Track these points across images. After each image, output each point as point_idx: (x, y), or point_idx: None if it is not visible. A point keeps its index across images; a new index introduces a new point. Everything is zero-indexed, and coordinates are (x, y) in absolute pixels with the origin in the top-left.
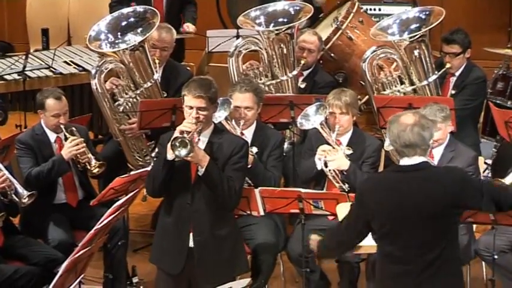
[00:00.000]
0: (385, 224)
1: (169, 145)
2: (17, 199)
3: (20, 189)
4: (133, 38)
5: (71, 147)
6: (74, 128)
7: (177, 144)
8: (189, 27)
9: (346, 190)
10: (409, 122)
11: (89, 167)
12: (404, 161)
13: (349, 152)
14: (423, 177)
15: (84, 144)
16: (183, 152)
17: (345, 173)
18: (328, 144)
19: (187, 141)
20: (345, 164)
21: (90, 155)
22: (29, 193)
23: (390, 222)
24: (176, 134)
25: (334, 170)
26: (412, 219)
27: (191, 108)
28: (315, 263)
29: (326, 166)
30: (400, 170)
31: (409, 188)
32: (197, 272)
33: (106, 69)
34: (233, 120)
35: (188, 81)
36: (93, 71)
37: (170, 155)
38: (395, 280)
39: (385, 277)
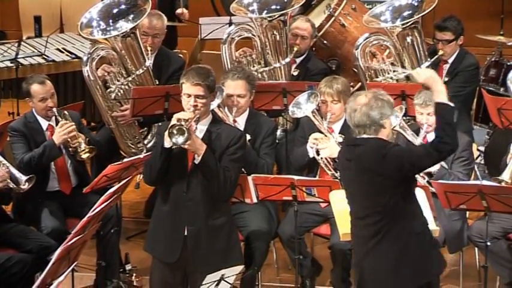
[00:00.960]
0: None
1: (166, 133)
2: (14, 186)
3: (18, 174)
4: (124, 25)
5: (61, 132)
6: (66, 112)
7: (175, 131)
8: (183, 11)
9: (339, 178)
10: (361, 102)
11: (78, 151)
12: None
13: (341, 139)
14: (357, 151)
15: (75, 128)
16: (180, 139)
17: (337, 160)
18: (320, 132)
19: (184, 128)
20: (337, 152)
21: (80, 140)
22: (27, 177)
23: (345, 188)
24: (174, 121)
25: (326, 158)
26: (352, 191)
27: (189, 96)
28: (306, 248)
29: (318, 154)
30: (350, 144)
31: (346, 160)
32: (191, 262)
33: (98, 56)
34: (226, 108)
35: (183, 69)
36: (84, 58)
37: (167, 143)
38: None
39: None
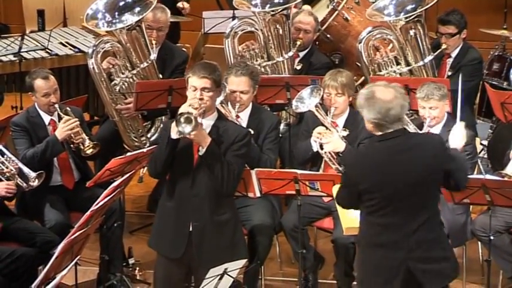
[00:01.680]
0: (373, 197)
1: (173, 123)
2: (24, 184)
3: (27, 171)
4: (130, 18)
5: (64, 127)
6: (68, 108)
7: (182, 120)
8: (184, 4)
9: (342, 172)
10: (391, 96)
11: (82, 147)
12: (382, 131)
13: (345, 133)
14: (405, 143)
15: (78, 123)
16: (187, 128)
17: (341, 154)
18: (324, 126)
19: (192, 117)
20: (341, 146)
21: (84, 135)
22: (36, 174)
23: (378, 193)
24: (182, 109)
25: (330, 152)
26: (398, 187)
27: (195, 89)
28: (309, 241)
29: (322, 148)
30: (380, 140)
31: (391, 154)
32: (196, 258)
33: (102, 49)
34: (228, 104)
35: (186, 63)
36: (89, 51)
37: (174, 133)
38: (388, 248)
39: (376, 246)
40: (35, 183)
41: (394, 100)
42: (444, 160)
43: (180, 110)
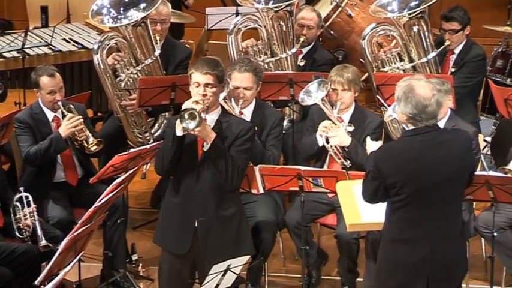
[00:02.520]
0: (401, 192)
1: (178, 120)
2: (29, 242)
3: (40, 234)
4: (135, 14)
5: (68, 125)
6: (71, 106)
7: (186, 116)
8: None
9: (348, 166)
10: (429, 94)
11: (86, 145)
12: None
13: (351, 128)
14: (437, 138)
15: (82, 121)
16: (191, 124)
17: (346, 149)
18: (330, 120)
19: (196, 113)
20: (347, 140)
21: (88, 133)
22: (46, 243)
23: (410, 186)
24: (186, 105)
25: (335, 146)
26: (427, 183)
27: (199, 85)
28: (312, 237)
29: (328, 142)
30: (414, 134)
31: (424, 149)
32: (201, 253)
33: (108, 45)
34: (232, 100)
35: (189, 58)
36: (95, 46)
37: (179, 131)
38: (415, 243)
39: (402, 242)
40: (42, 244)
41: (432, 97)
42: (472, 157)
43: (184, 106)
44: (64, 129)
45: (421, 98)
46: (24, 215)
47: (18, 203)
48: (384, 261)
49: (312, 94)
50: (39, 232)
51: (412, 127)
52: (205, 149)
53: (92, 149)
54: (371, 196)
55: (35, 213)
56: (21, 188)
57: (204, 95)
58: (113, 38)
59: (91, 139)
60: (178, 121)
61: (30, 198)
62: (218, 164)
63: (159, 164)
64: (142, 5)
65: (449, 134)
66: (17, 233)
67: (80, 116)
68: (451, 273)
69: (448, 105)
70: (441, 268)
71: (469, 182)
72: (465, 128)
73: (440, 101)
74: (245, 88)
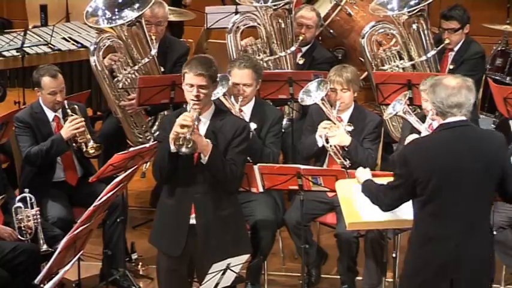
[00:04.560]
0: (429, 185)
1: (172, 141)
2: (30, 243)
3: (42, 239)
4: (130, 14)
5: (70, 127)
6: (76, 106)
7: (180, 142)
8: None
9: (347, 166)
10: (456, 84)
11: (85, 148)
12: (448, 120)
13: (350, 128)
14: (469, 134)
15: (84, 123)
16: (187, 150)
17: (346, 148)
18: (329, 120)
19: (188, 138)
20: (347, 140)
21: (88, 136)
22: (46, 248)
23: (438, 181)
24: (177, 128)
25: (335, 146)
26: (457, 178)
27: (192, 86)
28: (312, 236)
29: (327, 142)
30: (446, 128)
31: (454, 144)
32: (201, 254)
33: (104, 45)
34: (232, 97)
35: (187, 54)
36: (91, 48)
37: (173, 148)
38: (440, 239)
39: (429, 240)
40: (42, 249)
41: (457, 87)
42: (505, 158)
43: (176, 128)
44: (66, 131)
45: (445, 87)
46: (27, 217)
47: (20, 203)
48: (412, 259)
49: (312, 94)
50: (41, 236)
51: (444, 121)
52: (203, 161)
53: (90, 152)
54: (392, 204)
55: (38, 216)
56: (26, 190)
57: (197, 96)
58: (109, 39)
59: (91, 143)
60: (172, 141)
61: (34, 200)
62: (216, 174)
63: (157, 175)
64: (137, 5)
65: (483, 133)
66: (17, 234)
67: (83, 118)
68: (476, 273)
69: None
70: (467, 267)
71: (505, 183)
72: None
73: (468, 95)
74: (245, 85)
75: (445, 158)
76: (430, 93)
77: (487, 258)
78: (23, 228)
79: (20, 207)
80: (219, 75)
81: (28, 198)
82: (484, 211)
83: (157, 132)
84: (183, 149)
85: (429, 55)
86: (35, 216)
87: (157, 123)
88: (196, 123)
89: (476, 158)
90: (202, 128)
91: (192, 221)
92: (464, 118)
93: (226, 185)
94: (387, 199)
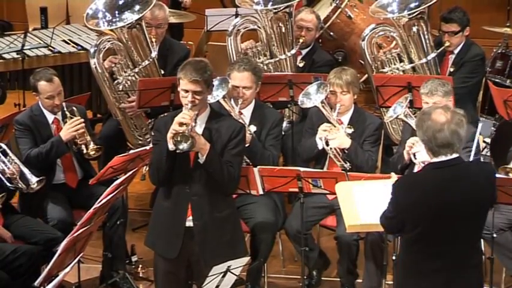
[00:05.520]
0: (418, 225)
1: (170, 139)
2: (24, 186)
3: (29, 175)
4: (130, 16)
5: (70, 128)
6: (74, 108)
7: (179, 139)
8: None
9: (348, 168)
10: (443, 120)
11: (85, 150)
12: (440, 158)
13: (350, 130)
14: (458, 174)
15: (84, 125)
16: (185, 146)
17: (346, 151)
18: (329, 122)
19: (187, 135)
20: (347, 142)
21: (88, 138)
22: (38, 179)
23: (425, 221)
24: (175, 126)
25: (335, 149)
26: (448, 217)
27: (187, 91)
28: (313, 241)
29: (327, 144)
30: (437, 167)
31: (445, 185)
32: (198, 256)
33: (104, 48)
34: (231, 99)
35: (188, 57)
36: (91, 50)
37: (172, 146)
38: (429, 276)
39: (416, 274)
40: (35, 186)
41: (445, 124)
42: (493, 192)
43: (174, 126)
44: (65, 133)
45: (432, 123)
46: (5, 163)
47: None
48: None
49: (312, 96)
50: (27, 173)
51: (435, 159)
52: (200, 161)
53: (91, 153)
54: (391, 230)
55: (14, 157)
56: None
57: (193, 102)
58: (109, 41)
59: (91, 145)
60: (169, 139)
61: (4, 147)
62: (214, 174)
63: (155, 176)
64: (137, 7)
65: (473, 168)
66: (8, 185)
67: (82, 120)
68: None
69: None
70: None
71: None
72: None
73: (457, 130)
74: (244, 87)
75: (435, 201)
76: (418, 127)
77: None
78: (9, 177)
79: None
80: (218, 78)
81: None
82: (474, 245)
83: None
84: (182, 146)
85: (429, 58)
86: (11, 160)
87: None
88: (193, 124)
89: (467, 199)
90: (198, 131)
91: (189, 223)
92: (454, 156)
93: (224, 187)
94: (386, 224)
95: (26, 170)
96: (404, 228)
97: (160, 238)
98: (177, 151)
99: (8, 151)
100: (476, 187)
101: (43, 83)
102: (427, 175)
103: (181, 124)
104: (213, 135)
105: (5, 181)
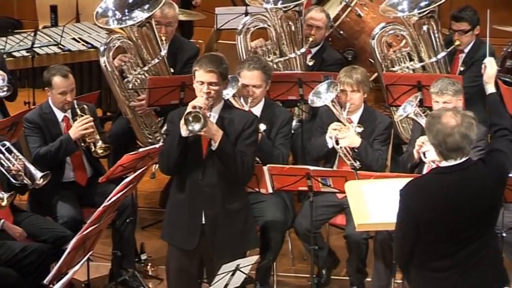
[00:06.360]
0: (431, 229)
1: (182, 121)
2: (29, 182)
3: (34, 170)
4: (140, 15)
5: (79, 127)
6: (85, 106)
7: (191, 119)
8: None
9: (357, 167)
10: (453, 124)
11: (93, 148)
12: (449, 162)
13: (360, 129)
14: (468, 177)
15: (93, 124)
16: (196, 126)
17: (356, 150)
18: (339, 121)
19: (200, 115)
20: (357, 141)
21: (97, 136)
22: (42, 174)
23: (437, 226)
24: (189, 109)
25: (345, 148)
26: (459, 221)
27: (202, 83)
28: (323, 239)
29: (337, 143)
30: (444, 172)
31: (454, 190)
32: (209, 248)
33: (114, 46)
34: (241, 98)
35: (197, 56)
36: (101, 49)
37: (184, 131)
38: (441, 273)
39: (428, 273)
40: (40, 182)
41: (456, 128)
42: (502, 192)
43: (188, 109)
44: (74, 131)
45: (442, 127)
46: (9, 160)
47: (0, 154)
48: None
49: (322, 95)
50: (32, 168)
51: (445, 163)
52: (213, 148)
53: (99, 152)
54: (403, 250)
55: (19, 154)
56: None
57: (208, 93)
58: (119, 39)
59: (99, 143)
60: (182, 122)
61: (8, 144)
62: (227, 162)
63: (164, 164)
64: (147, 6)
65: (483, 170)
66: (14, 182)
67: (91, 118)
68: None
69: (458, 105)
70: None
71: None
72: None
73: (467, 134)
74: (254, 86)
75: (444, 205)
76: (428, 130)
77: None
78: (14, 174)
79: (0, 157)
80: (229, 76)
81: (1, 146)
82: (488, 243)
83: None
84: (194, 126)
85: (439, 56)
86: (16, 156)
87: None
88: (207, 111)
89: (477, 202)
90: (212, 120)
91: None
92: (464, 159)
93: (238, 176)
94: (399, 253)
95: (30, 166)
96: (419, 234)
97: (177, 230)
98: (189, 134)
99: (12, 148)
100: (486, 189)
101: (58, 78)
102: (435, 180)
103: (194, 107)
104: (226, 124)
105: (11, 178)
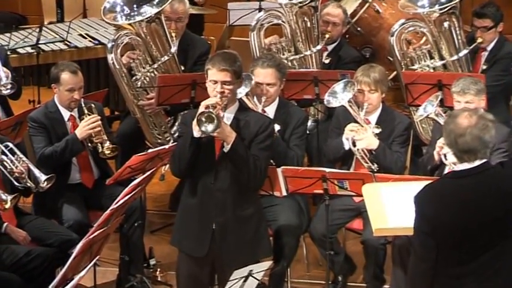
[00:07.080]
0: (447, 235)
1: (195, 121)
2: (33, 185)
3: (38, 173)
4: (149, 10)
5: (86, 126)
6: (92, 105)
7: (203, 119)
8: None
9: (375, 170)
10: (466, 124)
11: (100, 148)
12: (463, 165)
13: (378, 130)
14: (484, 181)
15: (100, 123)
16: (210, 127)
17: (373, 152)
18: (356, 122)
19: (214, 116)
20: (374, 143)
21: (104, 136)
22: (46, 177)
23: (453, 232)
24: (202, 109)
25: (362, 150)
26: (476, 226)
27: (215, 82)
28: (339, 244)
29: (354, 145)
30: (458, 176)
31: (469, 194)
32: (219, 254)
33: (122, 42)
34: (254, 97)
35: (209, 53)
36: (109, 45)
37: (197, 132)
38: (456, 282)
39: (444, 280)
40: (44, 185)
41: (467, 129)
42: None
43: (201, 108)
44: (81, 131)
45: (455, 127)
46: (13, 162)
47: (3, 156)
48: None
49: (338, 95)
50: (36, 171)
51: (460, 166)
52: (225, 150)
53: (106, 153)
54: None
55: (22, 156)
56: None
57: (222, 93)
58: (127, 36)
59: (107, 144)
60: (195, 123)
61: (11, 145)
62: (240, 165)
63: (176, 166)
64: (156, 0)
65: (501, 174)
66: (16, 184)
67: (99, 117)
68: None
69: (481, 105)
70: None
71: None
72: (499, 127)
73: (480, 136)
74: (268, 84)
75: (456, 212)
76: (443, 130)
77: None
78: (17, 176)
79: (3, 158)
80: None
81: (4, 147)
82: (508, 249)
83: (177, 133)
84: (207, 127)
85: (461, 54)
86: (19, 158)
87: (177, 123)
88: (221, 112)
89: (495, 204)
90: (226, 122)
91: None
92: (478, 163)
93: (249, 180)
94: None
95: (34, 169)
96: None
97: (187, 236)
98: (202, 135)
99: (15, 149)
100: (503, 194)
101: (66, 74)
102: (450, 184)
103: (207, 107)
104: (241, 129)
105: (13, 181)
